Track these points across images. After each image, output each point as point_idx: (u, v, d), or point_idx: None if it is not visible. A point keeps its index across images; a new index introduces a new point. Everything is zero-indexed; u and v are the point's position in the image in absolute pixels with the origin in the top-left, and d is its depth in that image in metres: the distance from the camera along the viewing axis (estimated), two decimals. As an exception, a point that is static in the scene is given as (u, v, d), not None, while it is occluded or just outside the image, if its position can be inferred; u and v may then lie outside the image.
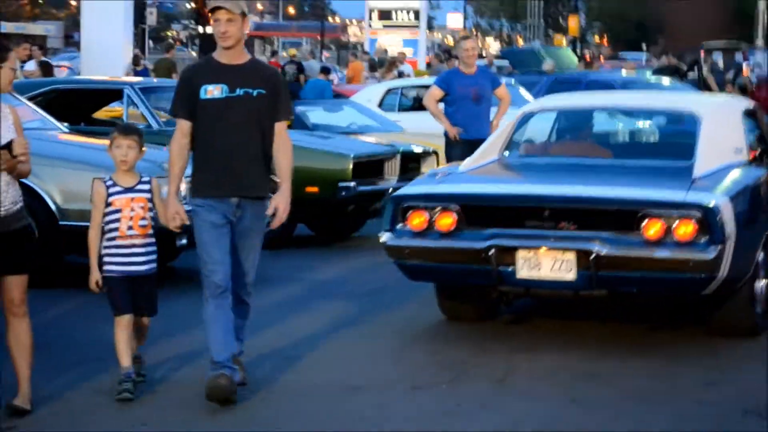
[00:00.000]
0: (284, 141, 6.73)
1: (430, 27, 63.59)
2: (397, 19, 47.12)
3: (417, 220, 8.05)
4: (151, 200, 6.77)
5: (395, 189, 11.89)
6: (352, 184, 11.93)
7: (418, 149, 13.18)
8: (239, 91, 6.61)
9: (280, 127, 6.73)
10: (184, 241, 9.27)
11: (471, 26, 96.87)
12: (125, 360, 6.66)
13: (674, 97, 11.29)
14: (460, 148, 12.39)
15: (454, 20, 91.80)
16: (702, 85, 23.05)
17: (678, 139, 9.37)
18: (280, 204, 6.64)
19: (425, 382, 7.13)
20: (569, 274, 7.72)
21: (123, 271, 6.70)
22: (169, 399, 6.72)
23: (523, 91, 18.26)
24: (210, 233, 6.60)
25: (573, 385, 7.09)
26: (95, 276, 6.67)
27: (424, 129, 15.04)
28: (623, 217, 7.69)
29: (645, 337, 8.41)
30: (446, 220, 7.98)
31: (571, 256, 7.69)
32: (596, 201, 7.88)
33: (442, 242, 7.99)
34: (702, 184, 7.98)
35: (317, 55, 55.48)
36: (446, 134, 12.80)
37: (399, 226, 8.13)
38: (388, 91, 19.23)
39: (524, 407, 6.64)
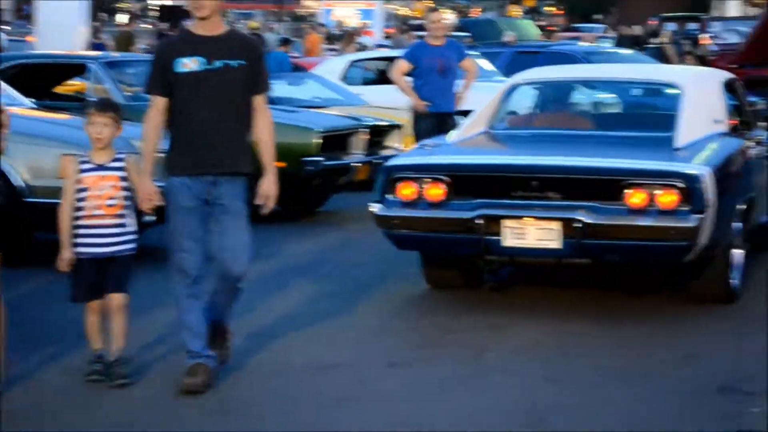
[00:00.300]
0: (265, 116, 6.41)
1: None
2: None
3: (407, 190, 8.23)
4: (125, 179, 6.42)
5: (361, 163, 12.16)
6: (319, 158, 11.84)
7: (383, 123, 13.08)
8: (218, 63, 6.26)
9: (260, 101, 6.41)
10: (153, 217, 8.78)
11: None
12: (95, 343, 6.48)
13: (656, 69, 11.53)
14: (427, 121, 12.46)
15: None
16: (661, 55, 23.07)
17: (660, 110, 9.58)
18: (269, 191, 6.35)
19: (402, 359, 7.13)
20: (554, 243, 7.91)
21: (90, 253, 6.40)
22: (144, 381, 6.55)
23: (485, 63, 18.13)
24: (183, 219, 6.30)
25: (547, 361, 7.12)
26: (66, 255, 6.38)
27: (389, 102, 14.88)
28: (607, 187, 7.88)
29: (622, 307, 8.54)
30: (435, 191, 8.16)
31: (556, 225, 7.88)
32: (581, 171, 8.08)
33: (431, 212, 8.17)
34: (684, 154, 8.20)
35: (275, 27, 55.22)
36: (413, 107, 12.75)
37: (389, 196, 8.31)
38: (351, 64, 18.92)
39: (498, 385, 6.65)
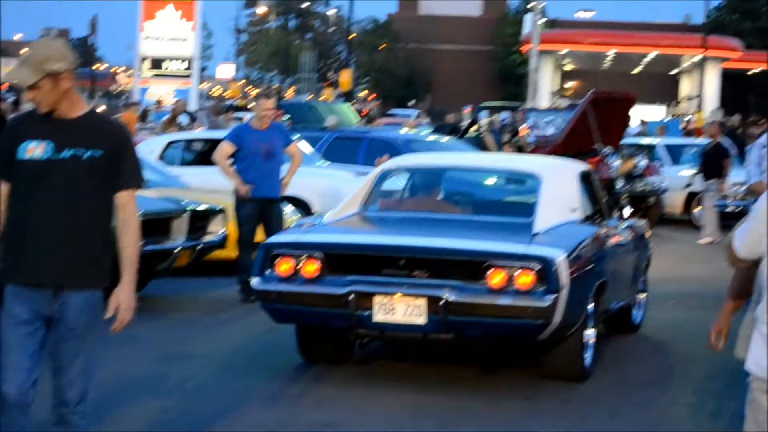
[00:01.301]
0: (129, 216, 5.44)
1: (201, 78, 63.45)
2: (168, 68, 46.57)
3: (284, 266, 8.76)
4: None
5: (183, 248, 12.01)
6: (139, 243, 11.55)
7: (206, 207, 12.78)
8: (66, 153, 5.30)
9: (125, 198, 5.43)
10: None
11: (242, 77, 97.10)
12: None
13: (518, 159, 12.26)
14: (250, 206, 12.46)
15: (225, 71, 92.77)
16: (480, 144, 23.53)
17: (521, 197, 10.27)
18: (121, 302, 5.36)
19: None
20: (420, 319, 8.48)
21: None
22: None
23: (305, 146, 17.55)
24: (11, 332, 5.31)
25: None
26: None
27: (209, 184, 14.72)
28: (470, 267, 8.50)
29: (478, 384, 9.05)
30: (310, 267, 8.70)
31: (422, 302, 8.45)
32: (446, 252, 8.70)
33: (306, 287, 8.70)
34: (541, 239, 8.86)
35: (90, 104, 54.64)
36: (236, 191, 12.58)
37: (267, 271, 8.83)
38: (169, 144, 18.18)
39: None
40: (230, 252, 13.06)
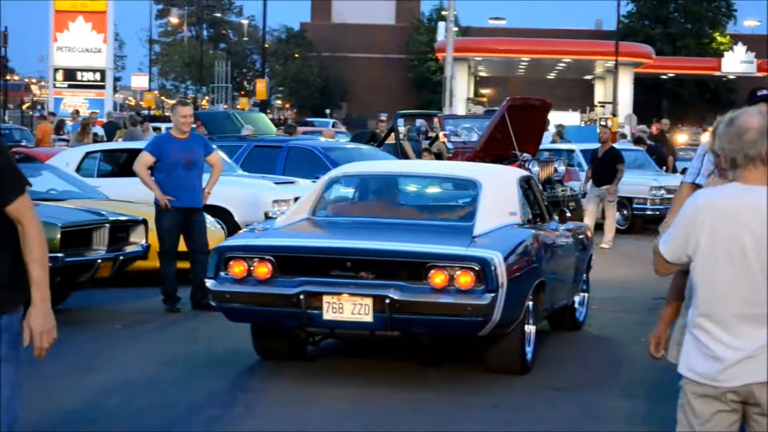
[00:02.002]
0: (28, 229, 4.88)
1: (114, 88, 61.66)
2: (82, 79, 46.65)
3: (237, 268, 9.28)
4: None
5: (104, 260, 11.95)
6: (60, 254, 11.39)
7: (126, 218, 12.77)
8: None
9: (17, 208, 4.87)
10: None
11: (156, 88, 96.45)
12: None
13: (459, 166, 12.81)
14: (171, 216, 12.47)
15: (139, 81, 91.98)
16: (399, 151, 23.62)
17: (462, 202, 10.81)
18: (34, 327, 4.87)
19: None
20: (367, 317, 9.02)
21: None
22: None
23: (222, 156, 16.54)
24: None
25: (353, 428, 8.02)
26: None
27: (129, 195, 14.78)
28: (414, 268, 9.04)
29: (425, 381, 9.51)
30: (262, 269, 9.22)
31: (368, 301, 8.99)
32: (391, 253, 9.23)
33: (259, 288, 9.22)
34: (480, 241, 9.39)
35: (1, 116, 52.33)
36: (156, 202, 12.56)
37: (222, 273, 9.35)
38: (87, 155, 18.08)
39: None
40: (153, 262, 13.06)
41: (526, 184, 11.03)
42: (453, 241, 9.37)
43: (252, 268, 9.26)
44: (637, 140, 29.65)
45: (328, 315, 9.09)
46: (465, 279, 8.93)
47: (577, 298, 11.85)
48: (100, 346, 10.75)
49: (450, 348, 10.31)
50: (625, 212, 23.23)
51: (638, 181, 23.15)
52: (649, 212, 23.23)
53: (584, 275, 12.11)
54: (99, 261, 12.03)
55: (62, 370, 9.50)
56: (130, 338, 11.22)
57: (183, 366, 9.95)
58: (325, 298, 9.07)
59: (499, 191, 10.33)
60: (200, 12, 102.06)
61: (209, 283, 9.41)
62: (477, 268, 8.94)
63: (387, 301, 8.91)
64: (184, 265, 12.85)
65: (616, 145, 23.41)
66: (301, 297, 9.05)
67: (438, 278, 8.94)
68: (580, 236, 11.97)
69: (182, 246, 12.85)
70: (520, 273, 9.39)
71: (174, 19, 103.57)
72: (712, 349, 4.58)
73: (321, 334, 9.63)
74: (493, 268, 8.95)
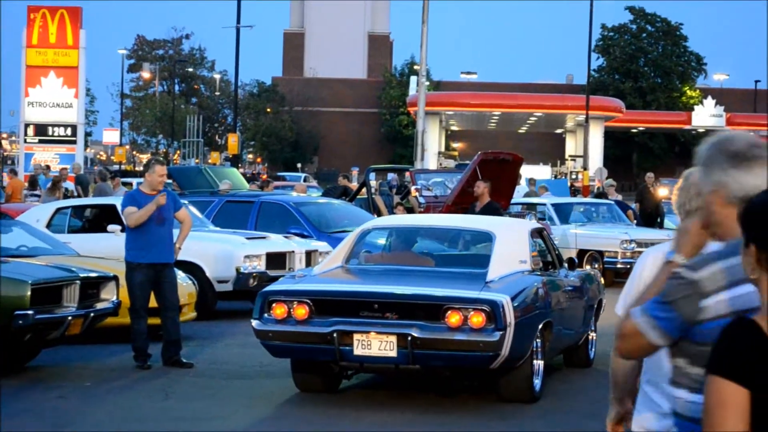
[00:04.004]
0: None
1: (86, 143, 60.96)
2: (53, 134, 46.15)
3: (279, 310, 10.61)
4: None
5: (75, 317, 11.88)
6: (30, 312, 11.38)
7: (97, 274, 12.61)
8: None
9: None
10: None
11: (127, 142, 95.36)
12: None
13: (476, 219, 14.12)
14: (143, 272, 12.45)
15: (111, 136, 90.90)
16: (371, 206, 23.77)
17: (478, 251, 12.13)
18: None
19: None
20: (392, 352, 10.32)
21: None
22: None
23: (194, 211, 16.81)
24: None
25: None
26: None
27: (98, 251, 14.85)
28: (433, 310, 10.36)
29: (442, 405, 10.76)
30: (301, 311, 10.56)
31: (393, 339, 10.29)
32: (412, 297, 10.58)
33: (298, 327, 10.54)
34: (492, 286, 10.69)
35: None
36: (127, 258, 12.57)
37: (265, 315, 10.68)
38: (57, 211, 17.98)
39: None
40: (124, 318, 12.90)
41: (538, 235, 12.33)
42: (467, 286, 10.66)
43: (291, 309, 10.56)
44: (599, 194, 29.58)
45: (358, 351, 10.38)
46: (477, 319, 10.21)
47: (586, 337, 13.04)
48: (71, 404, 10.75)
49: (467, 380, 11.58)
50: (597, 266, 22.25)
51: (609, 235, 22.94)
52: (620, 265, 22.50)
53: (592, 317, 13.32)
54: (69, 318, 11.84)
55: (33, 428, 9.63)
56: (100, 395, 11.17)
57: (154, 423, 10.07)
58: (356, 336, 10.37)
59: (511, 242, 11.62)
60: (172, 67, 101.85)
61: (254, 323, 10.75)
62: (488, 309, 10.22)
63: (409, 338, 10.20)
64: (154, 321, 12.84)
65: (586, 199, 23.16)
66: (335, 335, 10.35)
67: (454, 318, 10.23)
68: (588, 283, 13.19)
69: (153, 302, 12.82)
70: (527, 314, 10.66)
71: (146, 74, 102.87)
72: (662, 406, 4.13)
73: (352, 368, 10.92)
74: (501, 309, 10.23)
